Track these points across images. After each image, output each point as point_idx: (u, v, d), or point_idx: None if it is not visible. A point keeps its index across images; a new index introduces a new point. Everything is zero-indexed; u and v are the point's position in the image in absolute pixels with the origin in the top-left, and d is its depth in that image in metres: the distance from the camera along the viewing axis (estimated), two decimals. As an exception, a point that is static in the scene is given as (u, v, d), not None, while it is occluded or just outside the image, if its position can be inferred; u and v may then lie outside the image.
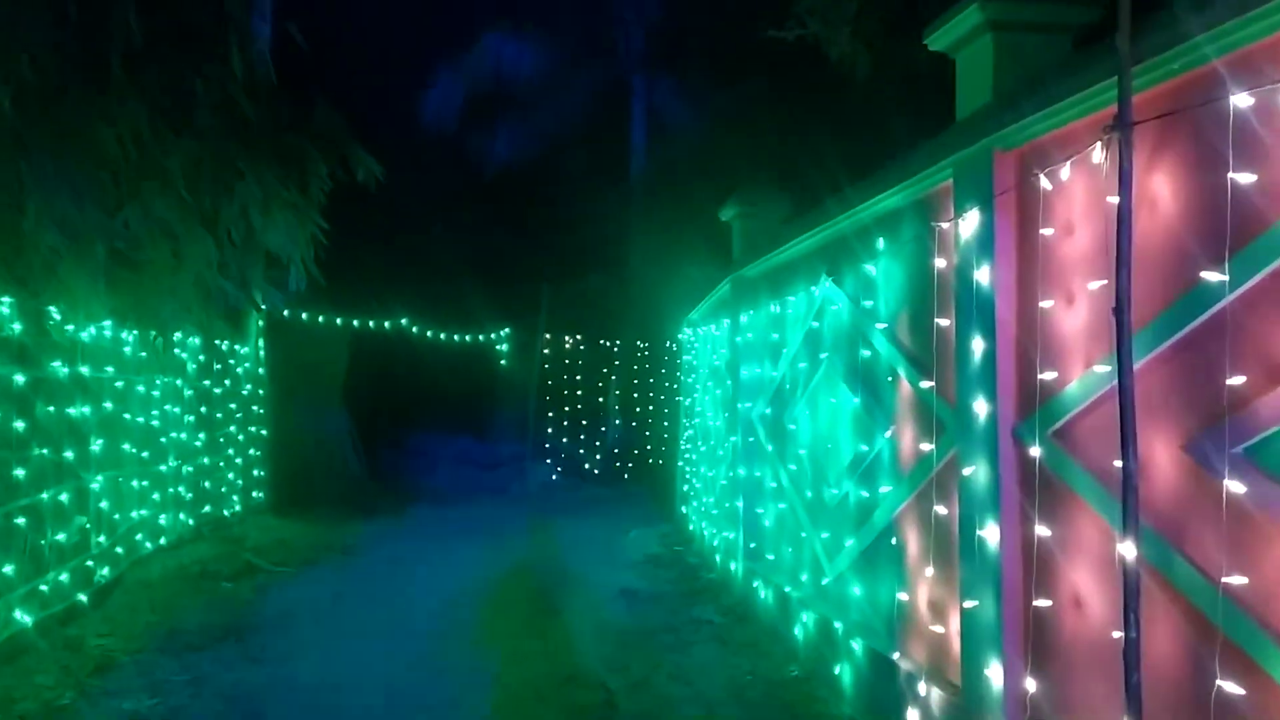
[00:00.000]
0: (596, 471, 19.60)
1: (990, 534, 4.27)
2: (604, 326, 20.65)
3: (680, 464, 13.91)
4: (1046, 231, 4.05)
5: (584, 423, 19.66)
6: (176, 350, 11.06)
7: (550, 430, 19.39)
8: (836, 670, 6.08)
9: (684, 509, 13.52)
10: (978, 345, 4.39)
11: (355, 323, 15.96)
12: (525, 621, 8.75)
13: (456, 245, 22.93)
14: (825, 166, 8.90)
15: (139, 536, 9.96)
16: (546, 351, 18.91)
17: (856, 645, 5.81)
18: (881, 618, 5.74)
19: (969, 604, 4.37)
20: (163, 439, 10.68)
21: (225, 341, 13.09)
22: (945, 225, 4.82)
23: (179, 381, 11.30)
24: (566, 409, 19.55)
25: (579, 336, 19.59)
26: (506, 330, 18.53)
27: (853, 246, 6.08)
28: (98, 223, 5.99)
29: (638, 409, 20.88)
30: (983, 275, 4.36)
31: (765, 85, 19.29)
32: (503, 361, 18.64)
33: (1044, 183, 4.00)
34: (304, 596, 9.63)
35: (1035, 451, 4.02)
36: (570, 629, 8.52)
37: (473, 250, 23.01)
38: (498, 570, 11.21)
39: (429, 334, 17.08)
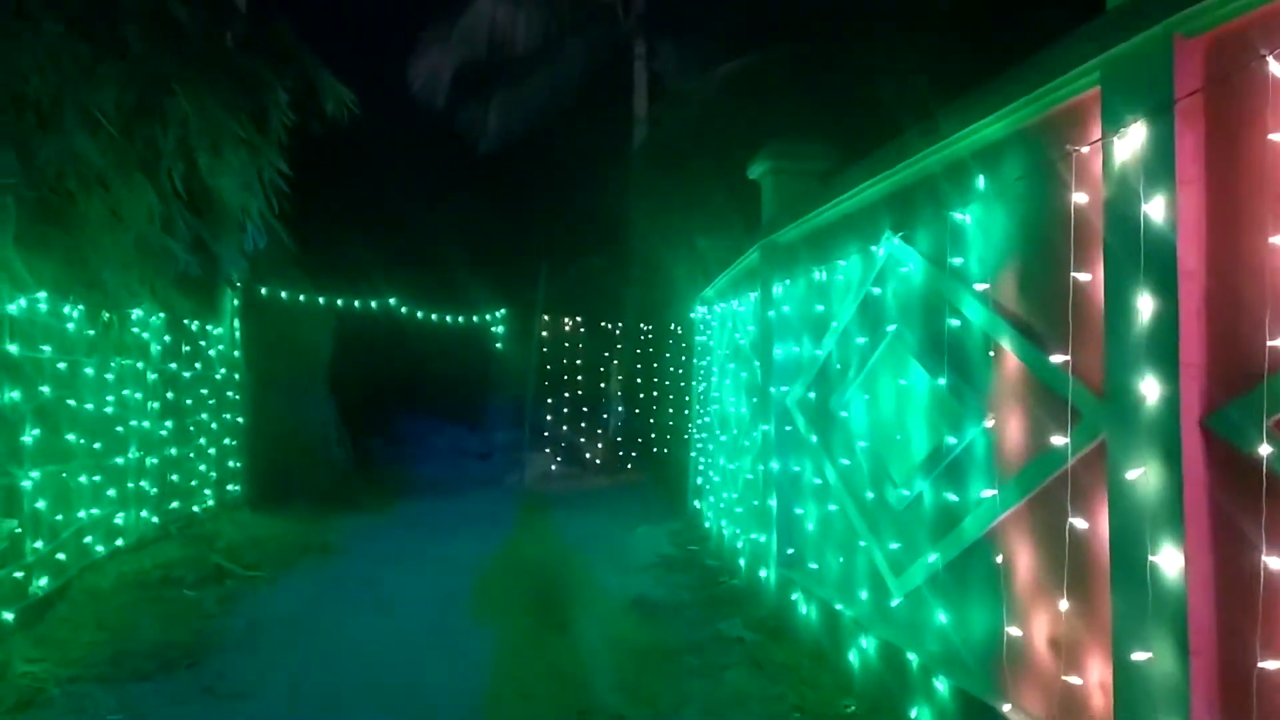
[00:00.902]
0: (598, 461, 18.48)
1: (1168, 560, 3.14)
2: (605, 308, 19.52)
3: (693, 455, 12.78)
4: (1258, 145, 2.92)
5: (584, 410, 18.53)
6: (136, 329, 9.90)
7: (549, 418, 18.24)
8: (913, 713, 4.96)
9: (697, 504, 12.40)
10: (1145, 305, 3.26)
11: (339, 302, 14.77)
12: (528, 637, 7.63)
13: (448, 221, 21.78)
14: (876, 114, 7.78)
15: (89, 539, 8.81)
16: (545, 334, 17.76)
17: (940, 684, 4.69)
18: (976, 654, 4.62)
19: (1138, 655, 3.24)
20: (120, 428, 9.52)
21: (195, 320, 11.91)
22: (1087, 149, 3.67)
23: (140, 364, 10.13)
24: (566, 395, 18.42)
25: (579, 318, 18.44)
26: (502, 311, 17.36)
27: (935, 191, 4.94)
28: (5, 166, 4.83)
29: (640, 395, 19.75)
30: (1155, 209, 3.22)
31: (786, 44, 18.19)
32: (498, 344, 17.48)
33: (1253, 78, 2.86)
34: (276, 607, 8.49)
35: (1262, 450, 2.89)
36: (579, 647, 7.39)
37: (466, 227, 21.87)
38: (494, 573, 10.09)
39: (419, 315, 15.92)
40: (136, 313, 9.76)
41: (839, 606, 6.14)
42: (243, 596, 8.88)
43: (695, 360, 12.70)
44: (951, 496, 4.83)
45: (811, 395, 6.90)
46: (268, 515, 13.16)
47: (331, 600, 8.76)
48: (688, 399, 20.82)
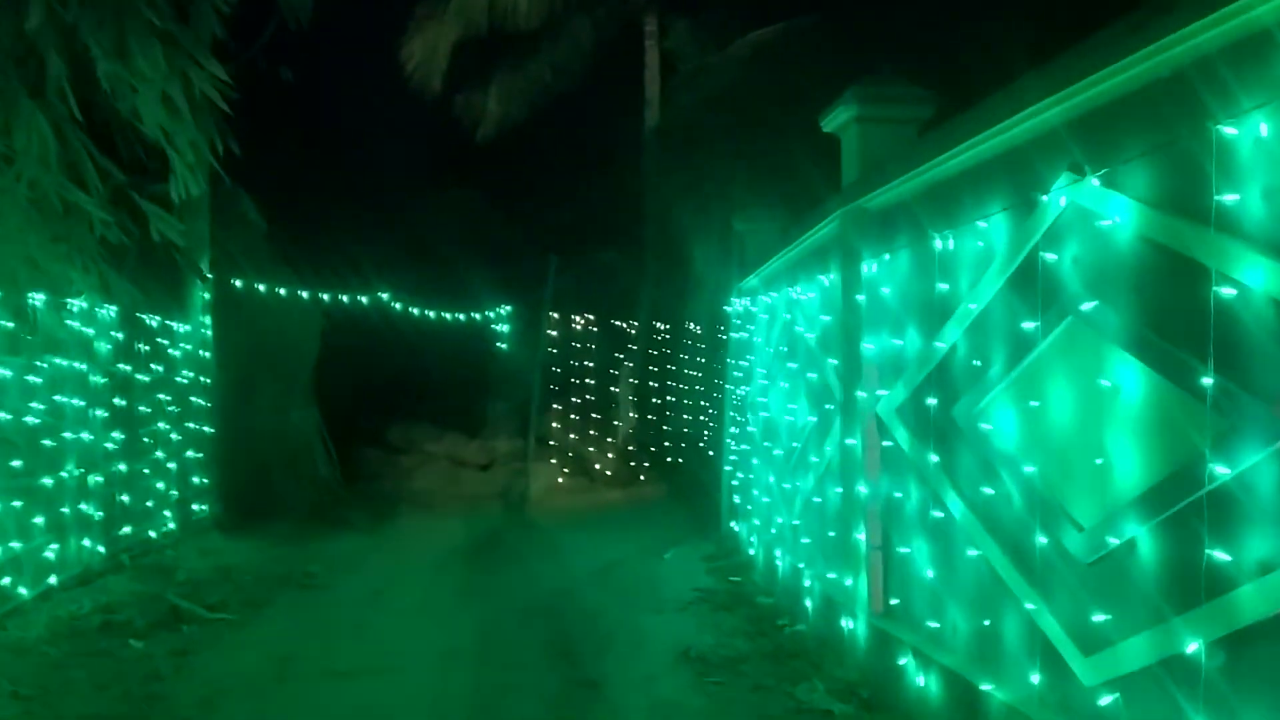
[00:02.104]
0: (609, 473, 16.85)
1: None
2: (617, 306, 17.93)
3: (727, 469, 11.18)
4: None
5: (595, 416, 16.90)
6: (76, 323, 8.30)
7: (556, 425, 16.62)
8: None
9: (735, 526, 10.80)
10: None
11: (326, 297, 13.14)
12: (554, 708, 6.03)
13: (446, 212, 20.21)
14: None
15: (7, 580, 7.19)
16: (553, 333, 16.13)
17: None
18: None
19: None
20: (50, 441, 7.91)
21: (155, 315, 10.31)
22: None
23: (81, 364, 8.52)
24: (575, 400, 16.80)
25: (590, 317, 16.83)
26: (507, 308, 15.75)
27: (1182, 97, 3.35)
28: None
29: (655, 400, 18.15)
30: None
31: (810, 14, 16.65)
32: (502, 344, 15.87)
33: None
34: (242, 664, 6.87)
35: None
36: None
37: (465, 218, 20.30)
38: (506, 613, 8.49)
39: (415, 312, 14.30)
40: (75, 303, 8.16)
41: (986, 686, 4.54)
42: (202, 648, 7.26)
43: (730, 360, 11.10)
44: (1218, 553, 3.23)
45: (927, 401, 5.30)
46: (241, 539, 11.55)
47: (310, 656, 7.12)
48: (705, 404, 19.24)
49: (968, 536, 4.89)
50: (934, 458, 5.21)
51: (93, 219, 5.33)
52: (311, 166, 18.95)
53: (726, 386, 11.05)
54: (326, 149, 19.68)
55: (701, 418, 19.04)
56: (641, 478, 17.16)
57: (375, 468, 17.03)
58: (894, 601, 5.77)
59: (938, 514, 5.22)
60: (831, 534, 6.84)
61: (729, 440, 11.05)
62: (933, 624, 5.28)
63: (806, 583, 7.42)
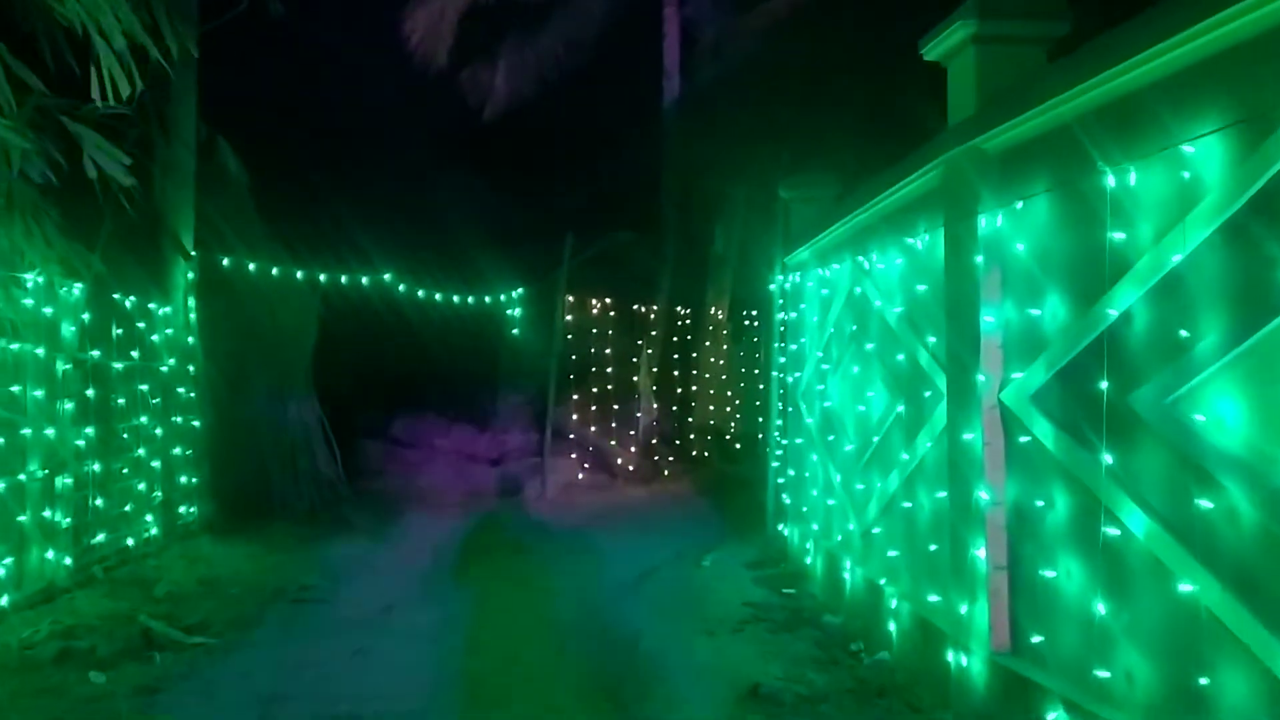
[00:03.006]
0: (630, 468, 15.69)
1: None
2: (636, 290, 16.75)
3: (774, 465, 10.00)
4: None
5: (615, 407, 15.74)
6: (30, 301, 7.15)
7: (574, 416, 15.45)
8: None
9: (784, 528, 9.64)
10: None
11: (323, 277, 11.96)
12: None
13: (454, 191, 19.03)
14: None
15: (-58, 604, 6.06)
16: (569, 319, 14.95)
17: None
18: None
19: None
20: (1, 439, 6.76)
21: (131, 295, 9.16)
22: None
23: (40, 350, 7.37)
24: (594, 390, 15.62)
25: (608, 300, 15.65)
26: (519, 291, 14.57)
27: None
28: None
29: (678, 389, 16.98)
30: None
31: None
32: (514, 330, 14.70)
33: None
34: (215, 708, 5.72)
35: None
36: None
37: (475, 197, 19.12)
38: (531, 636, 7.33)
39: (421, 294, 13.13)
40: (30, 278, 7.00)
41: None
42: (175, 684, 6.10)
43: (776, 344, 9.92)
44: None
45: (1087, 386, 4.13)
46: (233, 544, 10.41)
47: (300, 694, 5.95)
48: (733, 393, 18.06)
49: (1160, 562, 3.72)
50: (1105, 458, 4.04)
51: (8, 147, 4.17)
52: (307, 136, 17.80)
53: (772, 373, 9.87)
54: (324, 119, 18.51)
55: (728, 409, 17.88)
56: (665, 473, 16.00)
57: (379, 463, 15.87)
58: (1036, 639, 4.59)
59: (1110, 530, 4.05)
60: (931, 547, 5.68)
61: (775, 433, 9.88)
62: (1099, 672, 4.11)
63: (891, 603, 6.25)
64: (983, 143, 4.98)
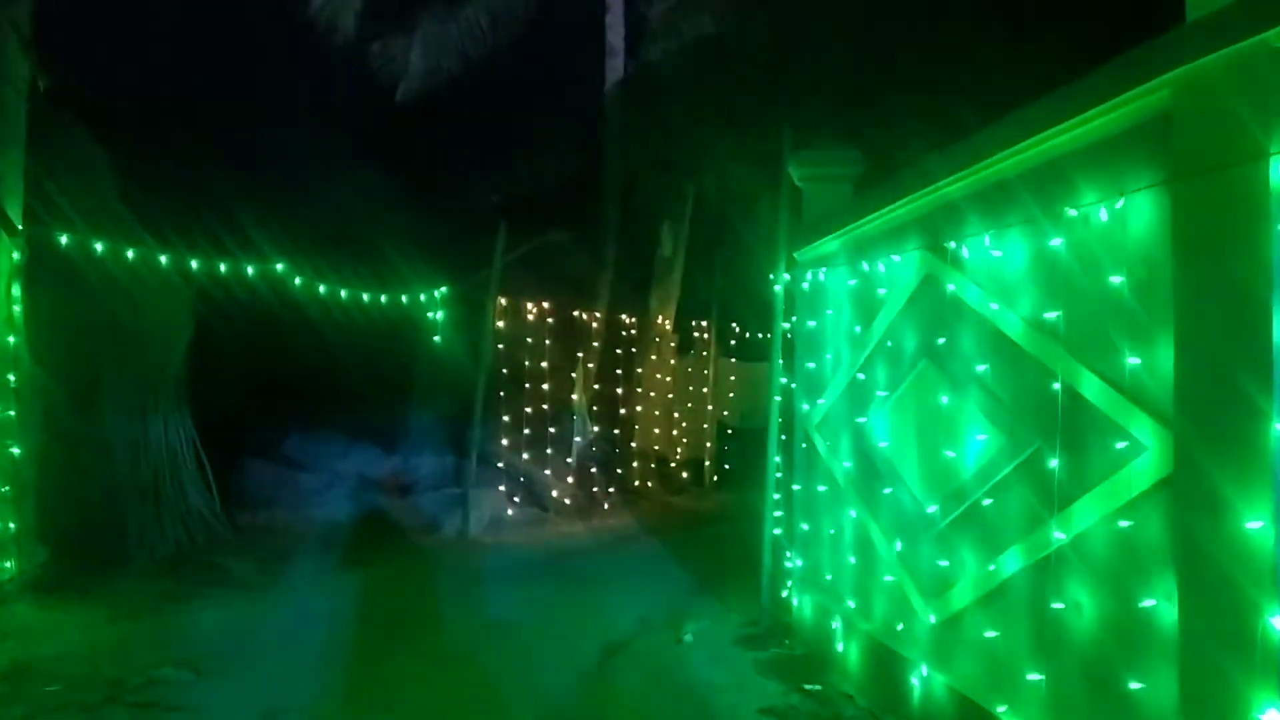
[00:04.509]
0: (567, 501, 13.51)
1: None
2: (574, 295, 14.60)
3: (776, 514, 7.92)
4: None
5: (551, 430, 13.54)
6: None
7: (504, 440, 13.21)
8: None
9: (792, 596, 7.57)
10: None
11: (194, 264, 9.52)
12: None
13: (364, 178, 16.64)
14: None
15: None
16: (500, 325, 12.73)
17: None
18: None
19: None
20: None
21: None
22: None
23: None
24: (528, 409, 13.41)
25: (545, 305, 13.47)
26: (442, 291, 12.30)
27: None
28: None
29: (620, 409, 14.87)
30: None
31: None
32: (435, 337, 12.41)
33: None
34: None
35: None
36: None
37: (388, 185, 16.77)
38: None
39: (322, 289, 10.76)
40: None
41: None
42: None
43: (778, 360, 7.86)
44: None
45: None
46: (66, 608, 8.00)
47: None
48: (676, 415, 16.02)
49: None
50: None
51: None
52: (188, 109, 15.29)
53: (773, 397, 7.81)
54: (209, 91, 15.98)
55: (674, 432, 15.84)
56: (606, 506, 13.87)
57: (268, 490, 13.37)
58: None
59: None
60: (1133, 685, 3.66)
61: (773, 472, 7.82)
62: None
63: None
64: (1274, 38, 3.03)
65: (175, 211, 10.62)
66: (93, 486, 9.75)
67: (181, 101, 15.38)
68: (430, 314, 12.28)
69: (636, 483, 14.85)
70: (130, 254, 8.87)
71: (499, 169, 18.14)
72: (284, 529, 12.00)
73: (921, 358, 5.47)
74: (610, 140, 15.97)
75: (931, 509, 5.18)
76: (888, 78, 11.58)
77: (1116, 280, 3.76)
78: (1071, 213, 4.02)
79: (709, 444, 16.37)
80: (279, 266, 10.05)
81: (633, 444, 15.04)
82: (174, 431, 10.86)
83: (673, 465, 15.69)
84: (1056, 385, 4.09)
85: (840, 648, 6.41)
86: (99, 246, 8.65)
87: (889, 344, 5.89)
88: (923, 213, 5.44)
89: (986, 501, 4.67)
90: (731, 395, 16.84)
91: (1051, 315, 4.16)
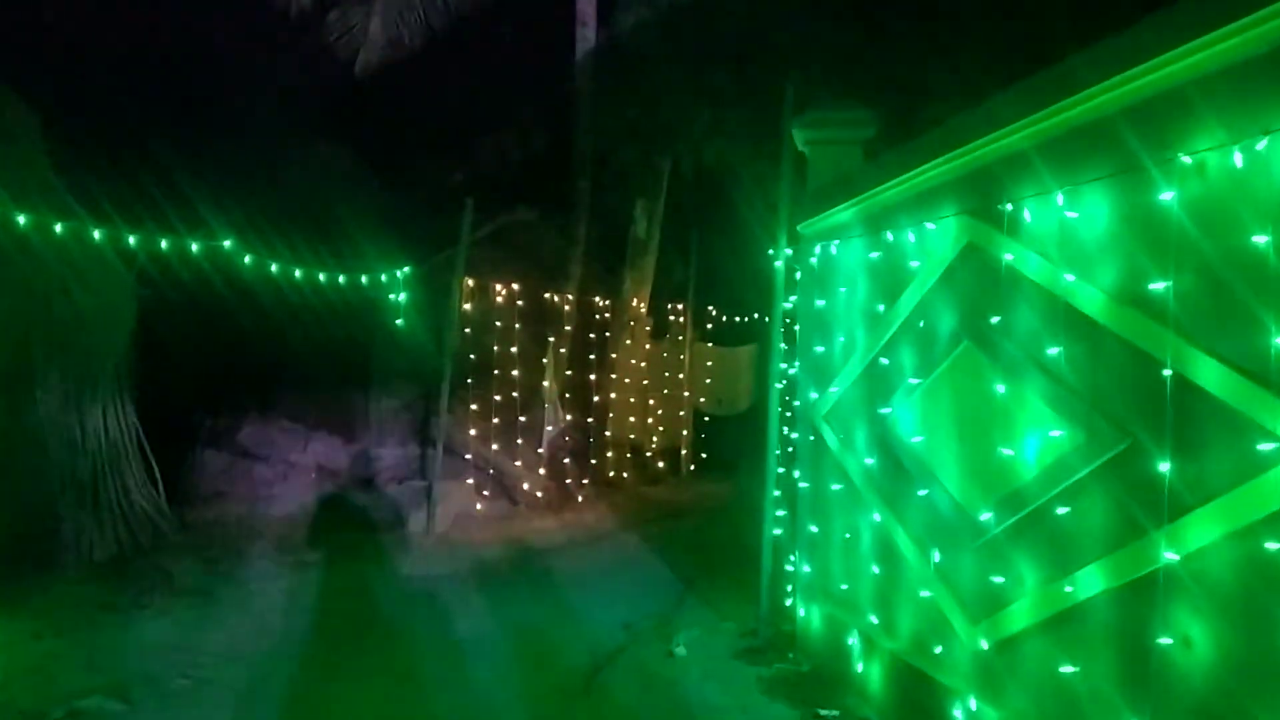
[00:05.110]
0: (539, 494, 12.75)
1: None
2: (545, 276, 13.80)
3: (779, 512, 7.21)
4: None
5: (521, 419, 12.76)
6: None
7: (472, 430, 12.41)
8: None
9: (799, 606, 6.86)
10: None
11: (134, 239, 8.61)
12: None
13: (321, 153, 15.73)
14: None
15: None
16: (468, 307, 11.92)
17: None
18: None
19: None
20: None
21: None
22: None
23: None
24: (497, 397, 12.62)
25: (516, 287, 12.67)
26: (406, 271, 11.46)
27: None
28: None
29: (594, 396, 14.13)
30: None
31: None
32: (398, 319, 11.57)
33: None
34: None
35: None
36: None
37: (348, 161, 15.88)
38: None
39: (273, 269, 9.89)
40: None
41: None
42: None
43: (779, 343, 7.14)
44: None
45: None
46: (-14, 621, 7.14)
47: None
48: (652, 402, 15.30)
49: None
50: None
51: None
52: (132, 79, 14.29)
53: (772, 384, 7.09)
54: (155, 60, 14.98)
55: (650, 419, 15.11)
56: (579, 499, 13.12)
57: (220, 483, 12.51)
58: None
59: None
60: None
61: (773, 466, 7.10)
62: None
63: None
64: None
65: (114, 184, 9.72)
66: (24, 484, 8.89)
67: (125, 69, 14.36)
68: (392, 295, 11.43)
69: (611, 473, 14.11)
70: (58, 227, 7.94)
71: (464, 144, 17.26)
72: (236, 525, 11.13)
73: (962, 339, 4.77)
74: (581, 113, 15.15)
75: (985, 515, 4.48)
76: (895, 29, 10.87)
77: (1261, 240, 3.05)
78: (1185, 160, 3.31)
79: (685, 432, 15.66)
80: (226, 243, 9.16)
81: (607, 433, 14.28)
82: (115, 423, 9.97)
83: (648, 455, 14.97)
84: (1166, 372, 3.38)
85: (860, 668, 5.72)
86: (22, 219, 7.73)
87: (920, 324, 5.19)
88: (966, 171, 4.73)
89: (1060, 509, 3.97)
90: (708, 381, 16.13)
91: (1157, 287, 3.45)
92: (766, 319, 17.13)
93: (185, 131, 13.61)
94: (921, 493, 5.05)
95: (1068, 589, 3.91)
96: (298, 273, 10.11)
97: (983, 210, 4.59)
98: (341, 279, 10.80)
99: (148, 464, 10.37)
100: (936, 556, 4.90)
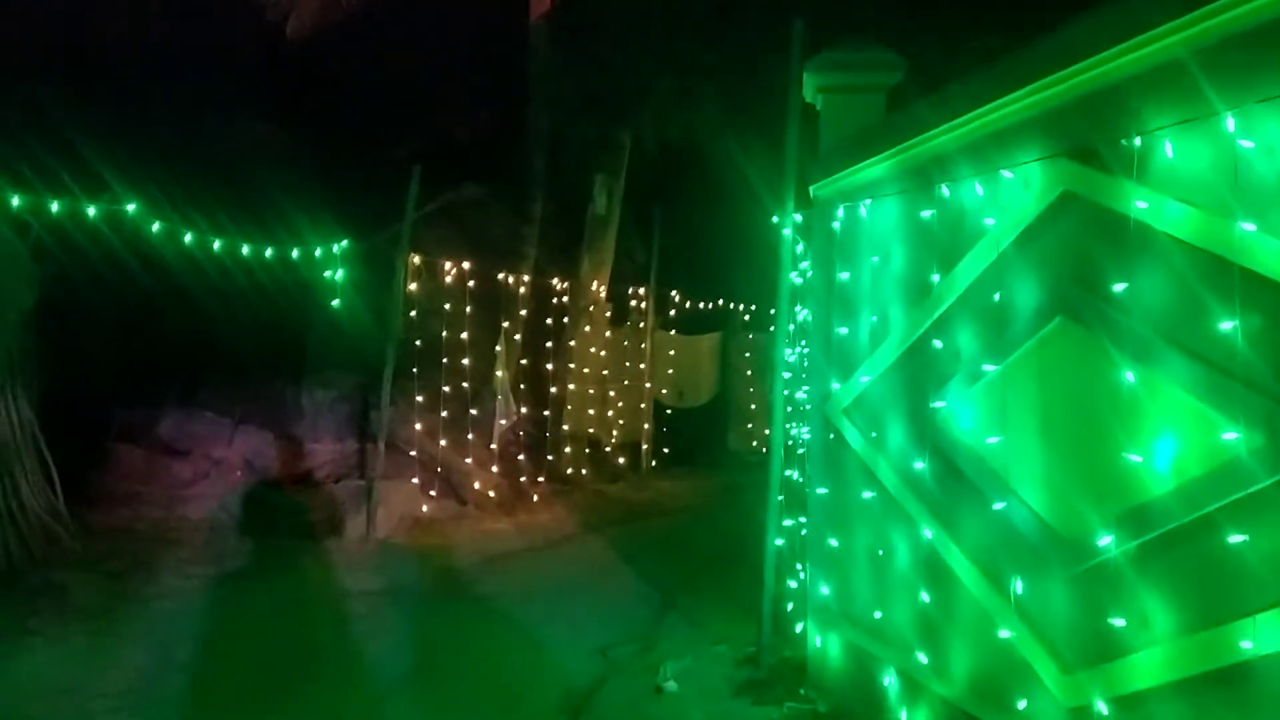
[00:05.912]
0: (491, 494, 11.62)
1: None
2: (497, 257, 12.64)
3: (785, 522, 6.19)
4: None
5: (472, 412, 11.61)
6: None
7: (417, 424, 11.23)
8: None
9: (814, 632, 5.82)
10: None
11: (17, 199, 7.30)
12: None
13: (250, 119, 14.41)
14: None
15: None
16: (414, 288, 10.75)
17: None
18: None
19: None
20: None
21: None
22: None
23: None
24: (446, 387, 11.46)
25: (467, 266, 11.51)
26: (343, 245, 10.24)
27: None
28: None
29: (551, 387, 13.02)
30: None
31: None
32: (335, 300, 10.35)
33: None
34: None
35: None
36: None
37: (278, 128, 14.58)
38: None
39: (187, 238, 8.62)
40: None
41: None
42: None
43: (785, 323, 6.12)
44: None
45: None
46: None
47: None
48: (613, 393, 14.24)
49: None
50: None
51: None
52: (33, 39, 12.89)
53: (779, 372, 6.07)
54: (60, 20, 13.55)
55: (609, 412, 14.06)
56: (535, 498, 12.01)
57: (133, 482, 11.23)
58: None
59: None
60: None
61: (777, 468, 6.08)
62: None
63: None
64: None
65: (17, 161, 8.40)
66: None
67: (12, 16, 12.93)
68: (328, 273, 10.21)
69: (568, 470, 13.02)
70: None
71: (408, 115, 16.00)
72: (149, 531, 9.88)
73: (1055, 314, 3.78)
74: (537, 82, 14.02)
75: (1105, 540, 3.47)
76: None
77: None
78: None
79: (646, 426, 14.62)
80: (130, 207, 7.90)
81: (563, 426, 13.19)
82: (4, 416, 8.67)
83: (607, 450, 13.91)
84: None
85: (904, 716, 4.70)
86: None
87: (987, 297, 4.18)
88: (1068, 100, 3.71)
89: (1226, 533, 2.98)
90: (670, 372, 15.10)
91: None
92: (731, 305, 16.41)
93: (84, 89, 12.21)
94: (997, 505, 4.04)
95: (1247, 645, 2.93)
96: (216, 244, 8.85)
97: (1088, 150, 3.59)
98: (268, 252, 9.56)
99: (43, 465, 9.07)
100: (1019, 587, 3.91)
